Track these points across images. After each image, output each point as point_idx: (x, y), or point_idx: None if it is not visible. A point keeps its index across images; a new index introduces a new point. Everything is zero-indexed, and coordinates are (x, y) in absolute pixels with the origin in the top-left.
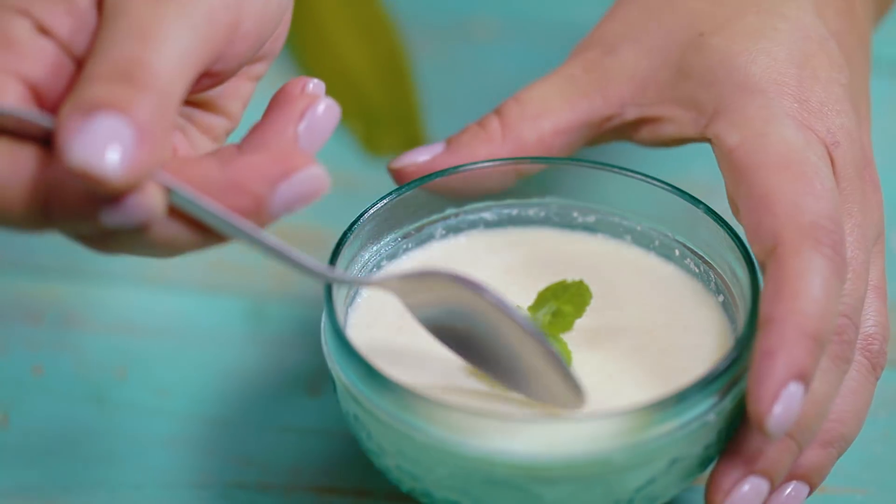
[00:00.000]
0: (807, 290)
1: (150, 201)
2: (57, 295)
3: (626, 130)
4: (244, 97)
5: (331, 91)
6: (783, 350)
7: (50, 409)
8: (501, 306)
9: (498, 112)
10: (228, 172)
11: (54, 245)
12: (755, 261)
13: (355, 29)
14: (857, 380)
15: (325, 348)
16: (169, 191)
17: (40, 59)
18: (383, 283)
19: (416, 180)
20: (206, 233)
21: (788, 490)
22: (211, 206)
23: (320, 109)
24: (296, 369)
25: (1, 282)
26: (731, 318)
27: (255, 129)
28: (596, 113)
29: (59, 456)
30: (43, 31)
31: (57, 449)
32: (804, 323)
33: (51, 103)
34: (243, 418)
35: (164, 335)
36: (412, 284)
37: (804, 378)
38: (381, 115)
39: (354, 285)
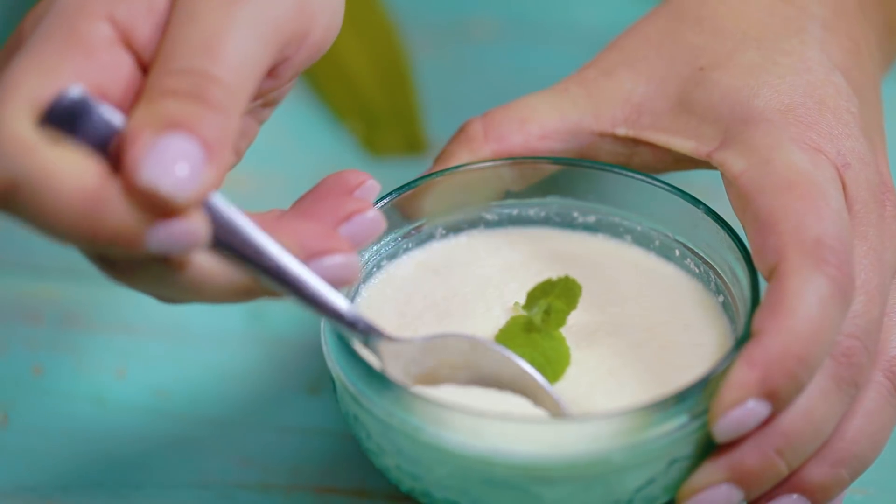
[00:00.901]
0: (802, 309)
1: (197, 227)
2: (56, 295)
3: (621, 152)
4: (250, 137)
5: (331, 91)
6: (762, 365)
7: (49, 409)
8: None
9: (483, 116)
10: (268, 227)
11: (54, 245)
12: (754, 262)
13: (355, 29)
14: (877, 401)
15: (324, 348)
16: (213, 225)
17: (116, 72)
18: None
19: (415, 180)
20: (237, 280)
21: (791, 500)
22: (256, 232)
23: (366, 219)
24: (296, 369)
25: (0, 282)
26: (731, 318)
27: (300, 210)
28: (585, 125)
29: (58, 456)
30: (125, 41)
31: (56, 449)
32: (792, 343)
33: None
34: (243, 418)
35: (164, 335)
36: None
37: (773, 398)
38: (381, 114)
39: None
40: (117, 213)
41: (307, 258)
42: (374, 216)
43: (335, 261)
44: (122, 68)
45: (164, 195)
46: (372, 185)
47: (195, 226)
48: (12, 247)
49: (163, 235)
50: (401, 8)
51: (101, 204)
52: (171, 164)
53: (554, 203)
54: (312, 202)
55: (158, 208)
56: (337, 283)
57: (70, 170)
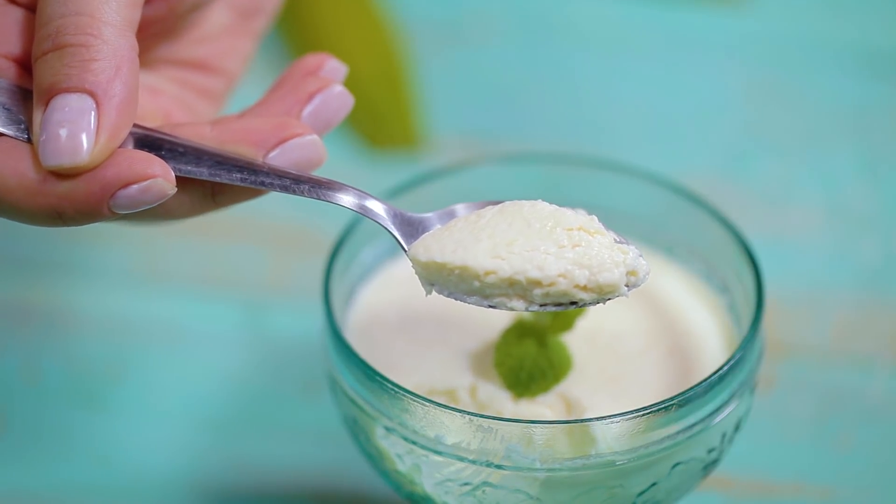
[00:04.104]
0: None
1: (159, 187)
2: (52, 297)
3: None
4: (243, 54)
5: None
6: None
7: (44, 412)
8: None
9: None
10: (219, 134)
11: (50, 247)
12: (759, 263)
13: (356, 29)
14: None
15: (323, 351)
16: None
17: (14, 31)
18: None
19: (414, 180)
20: (209, 191)
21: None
22: (207, 147)
23: (331, 95)
24: (294, 372)
25: None
26: (736, 320)
27: (260, 102)
28: None
29: (53, 459)
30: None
31: (52, 452)
32: None
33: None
34: (241, 421)
35: (161, 337)
36: None
37: None
38: (384, 112)
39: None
40: (65, 190)
41: (266, 152)
42: (340, 90)
43: (299, 142)
44: (15, 23)
45: (68, 169)
46: (336, 65)
47: (157, 186)
48: (6, 247)
49: (125, 200)
50: (401, 7)
51: (45, 187)
52: (65, 138)
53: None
54: (274, 92)
55: (75, 174)
56: (305, 167)
57: (6, 163)
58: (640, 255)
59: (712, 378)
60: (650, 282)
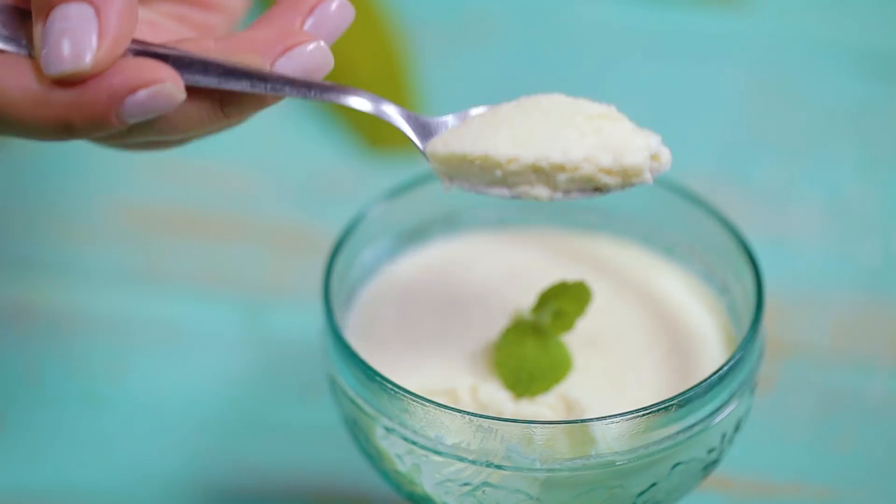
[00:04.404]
0: None
1: (168, 91)
2: (52, 297)
3: None
4: None
5: None
6: None
7: (44, 412)
8: None
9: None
10: (224, 46)
11: (49, 246)
12: (758, 263)
13: (356, 29)
14: None
15: (323, 351)
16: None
17: None
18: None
19: (415, 180)
20: (217, 102)
21: None
22: (217, 59)
23: (332, 7)
24: (294, 372)
25: None
26: (736, 320)
27: (260, 19)
28: None
29: (54, 459)
30: None
31: (52, 452)
32: None
33: None
34: (241, 422)
35: (161, 337)
36: None
37: None
38: None
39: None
40: (71, 99)
41: (273, 60)
42: (339, 3)
43: (305, 48)
44: None
45: (71, 75)
46: None
47: (167, 90)
48: (6, 247)
49: (134, 107)
50: (401, 7)
51: (50, 97)
52: (67, 44)
53: (556, 202)
54: (273, 10)
55: (82, 80)
56: (313, 73)
57: (8, 77)
58: (662, 143)
59: (712, 378)
60: (650, 282)
